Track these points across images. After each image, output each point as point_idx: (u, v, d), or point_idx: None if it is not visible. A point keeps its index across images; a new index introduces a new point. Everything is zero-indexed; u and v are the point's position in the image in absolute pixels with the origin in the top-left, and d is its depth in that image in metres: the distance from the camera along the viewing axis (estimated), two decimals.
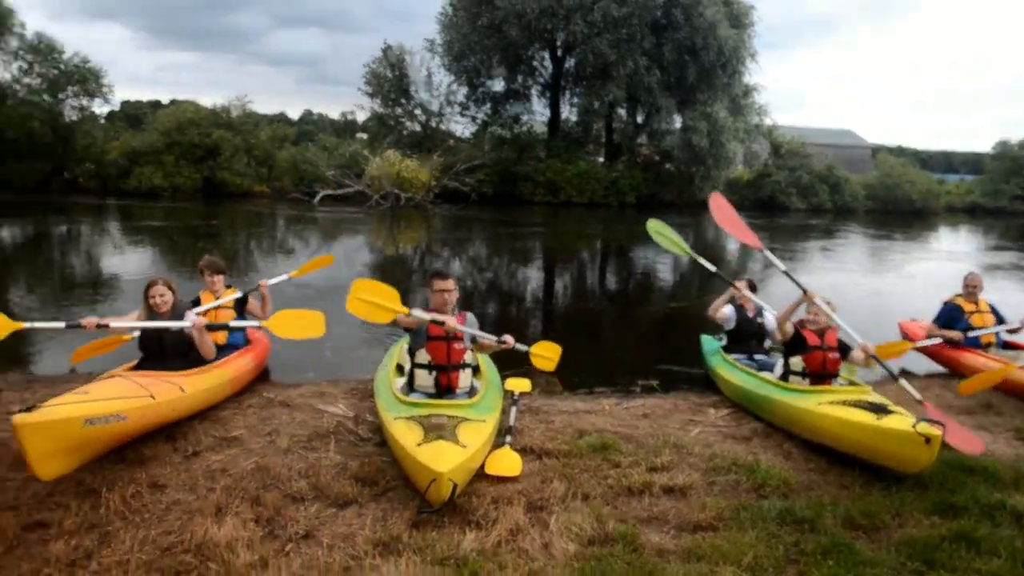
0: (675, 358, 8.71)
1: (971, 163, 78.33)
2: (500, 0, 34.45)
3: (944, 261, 21.71)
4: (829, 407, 5.32)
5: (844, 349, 6.09)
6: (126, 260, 16.26)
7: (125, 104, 63.65)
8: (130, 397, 4.85)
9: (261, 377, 7.20)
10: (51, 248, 18.45)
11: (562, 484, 4.71)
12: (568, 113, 40.46)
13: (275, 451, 5.21)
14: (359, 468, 4.87)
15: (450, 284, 5.63)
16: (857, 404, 5.20)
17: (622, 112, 39.87)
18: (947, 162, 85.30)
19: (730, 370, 6.88)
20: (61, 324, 5.85)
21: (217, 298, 7.02)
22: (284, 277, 7.93)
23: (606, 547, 3.95)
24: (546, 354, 6.50)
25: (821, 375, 5.98)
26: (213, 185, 33.29)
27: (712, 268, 7.38)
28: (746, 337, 7.37)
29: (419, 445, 4.37)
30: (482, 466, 4.80)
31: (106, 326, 5.77)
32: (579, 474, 4.90)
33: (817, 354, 5.99)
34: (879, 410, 5.02)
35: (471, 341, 5.76)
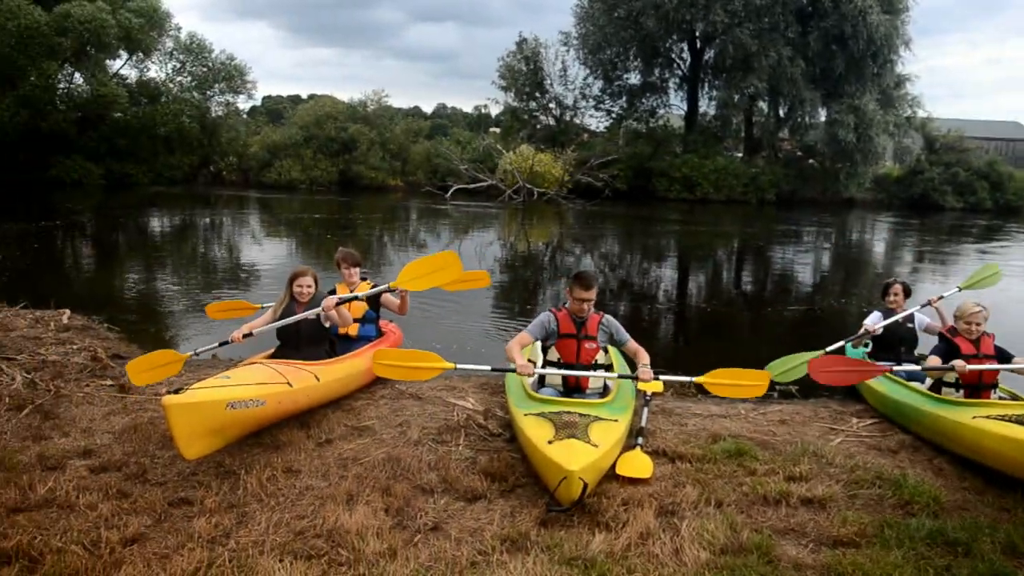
0: None
1: None
2: None
3: None
4: (986, 422, 4.92)
5: (1005, 358, 5.66)
6: (264, 251, 17.07)
7: (266, 99, 66.77)
8: (269, 383, 5.05)
9: None
10: (196, 238, 19.66)
11: (695, 489, 4.57)
12: (706, 107, 39.79)
13: (406, 442, 5.29)
14: (488, 463, 4.87)
15: (592, 294, 5.50)
16: (1019, 420, 4.80)
17: (763, 105, 38.78)
18: None
19: (876, 378, 6.50)
20: (215, 345, 6.12)
21: (352, 290, 7.18)
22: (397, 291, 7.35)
23: (739, 557, 3.80)
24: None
25: (977, 386, 5.58)
26: (348, 178, 34.51)
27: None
28: (893, 344, 6.97)
29: (550, 443, 4.34)
30: (613, 467, 4.72)
31: (250, 334, 5.97)
32: (712, 480, 4.75)
33: (971, 363, 5.58)
34: None
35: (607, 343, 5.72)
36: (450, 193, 31.19)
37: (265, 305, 7.18)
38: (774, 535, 4.09)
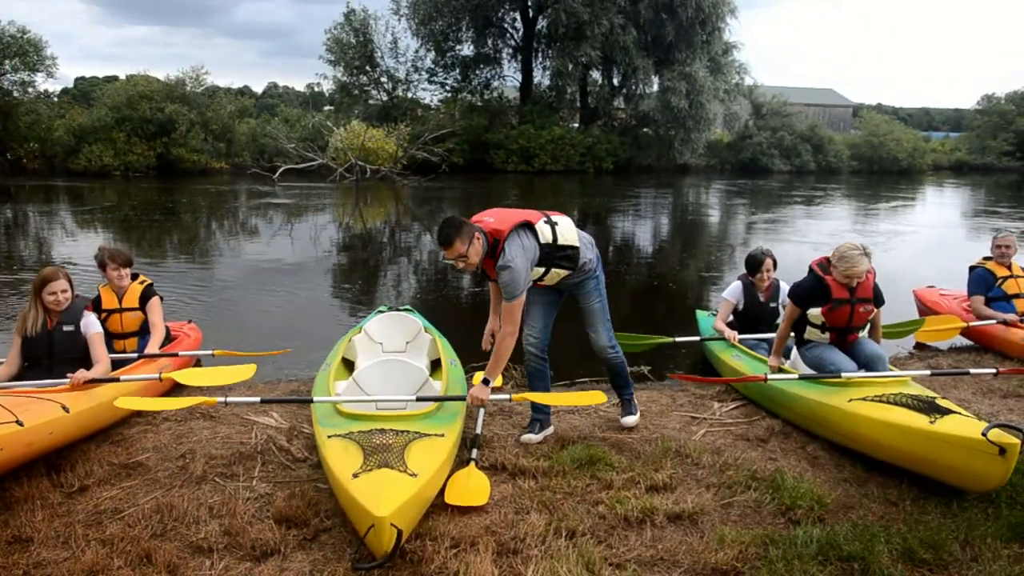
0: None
1: (952, 121, 77.95)
2: None
3: (949, 222, 21.01)
4: (864, 404, 4.30)
5: (879, 300, 5.07)
6: (78, 245, 14.97)
7: (80, 81, 61.57)
8: None
9: None
10: None
11: (541, 516, 3.70)
12: (541, 77, 39.19)
13: (185, 480, 4.18)
14: (286, 502, 3.83)
15: (452, 252, 4.28)
16: (899, 401, 4.20)
17: (597, 76, 38.71)
18: (927, 119, 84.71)
19: (735, 356, 5.88)
20: None
21: (120, 296, 5.92)
22: (209, 352, 6.33)
23: None
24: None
25: (845, 329, 5.02)
26: (168, 162, 31.68)
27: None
28: (755, 322, 6.39)
29: (356, 476, 3.36)
30: (441, 493, 3.82)
31: None
32: (562, 500, 3.88)
33: (845, 308, 4.96)
34: (932, 410, 4.00)
35: None
36: (278, 174, 29.27)
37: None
38: (640, 568, 3.30)
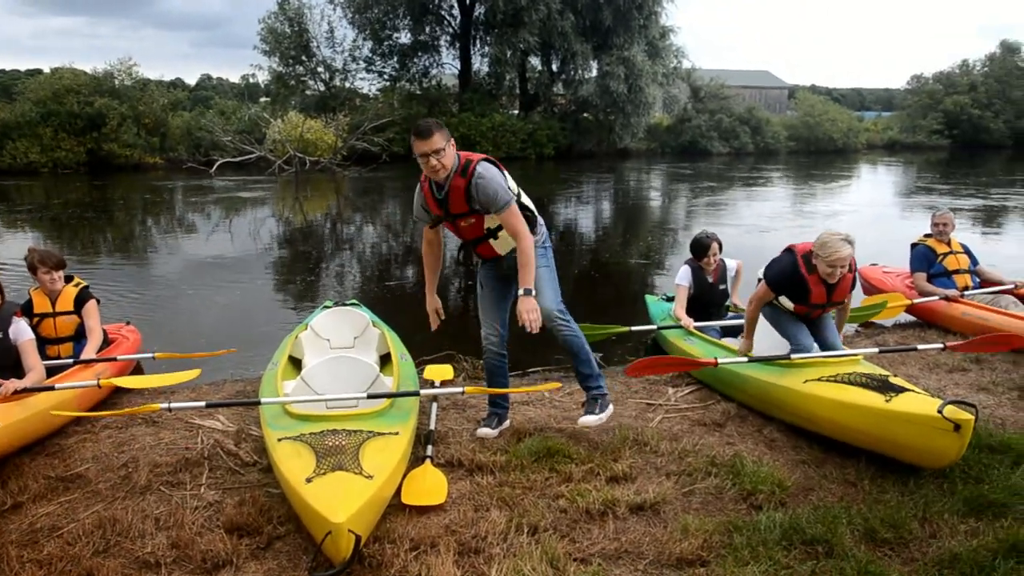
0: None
1: (883, 100, 79.97)
2: None
3: (886, 200, 21.45)
4: (819, 385, 4.32)
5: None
6: (6, 247, 14.36)
7: None
8: None
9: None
10: None
11: (502, 513, 3.62)
12: (480, 64, 38.88)
13: (129, 491, 3.98)
14: (236, 510, 3.68)
15: (429, 145, 3.99)
16: (854, 380, 4.21)
17: (535, 62, 38.57)
18: (860, 100, 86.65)
19: (689, 341, 5.86)
20: None
21: (53, 300, 5.67)
22: (149, 355, 6.03)
23: None
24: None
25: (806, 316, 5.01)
26: (99, 158, 30.56)
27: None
28: (706, 305, 6.39)
29: (309, 481, 3.24)
30: (398, 493, 3.71)
31: None
32: (522, 496, 3.80)
33: (817, 310, 4.97)
34: (885, 388, 4.02)
35: None
36: (215, 168, 28.58)
37: None
38: (605, 562, 3.24)
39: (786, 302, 4.97)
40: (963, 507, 3.58)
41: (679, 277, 6.40)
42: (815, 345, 4.92)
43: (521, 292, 4.15)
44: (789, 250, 4.97)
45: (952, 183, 26.77)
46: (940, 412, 3.58)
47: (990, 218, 17.48)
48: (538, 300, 4.22)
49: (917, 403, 3.81)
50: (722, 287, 6.39)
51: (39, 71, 43.02)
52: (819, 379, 4.36)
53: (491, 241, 4.38)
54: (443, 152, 4.02)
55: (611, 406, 4.62)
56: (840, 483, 3.94)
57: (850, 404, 4.05)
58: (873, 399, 3.96)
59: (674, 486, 3.91)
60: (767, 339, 5.22)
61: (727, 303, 6.52)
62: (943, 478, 3.87)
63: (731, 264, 6.47)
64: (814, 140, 43.85)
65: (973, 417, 3.59)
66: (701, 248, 6.24)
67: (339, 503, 3.02)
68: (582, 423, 4.48)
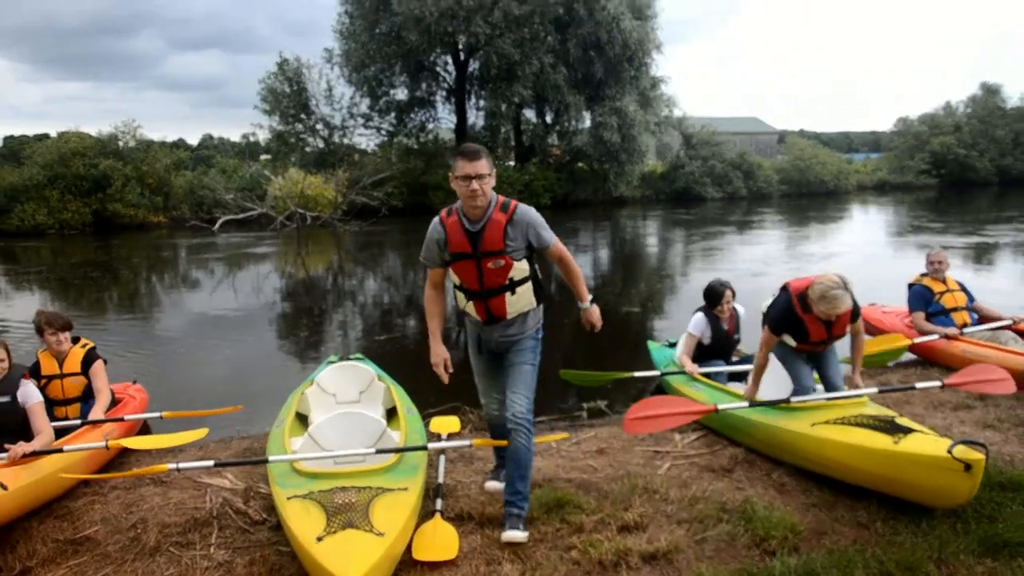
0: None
1: (871, 143, 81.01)
2: (398, 5, 33.15)
3: (879, 240, 21.57)
4: (827, 428, 4.33)
5: (855, 315, 4.95)
6: (13, 309, 14.40)
7: (9, 140, 60.19)
8: None
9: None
10: None
11: (514, 567, 3.61)
12: (475, 118, 39.37)
13: (139, 553, 3.97)
14: (247, 569, 3.68)
15: (480, 167, 3.89)
16: (862, 423, 4.24)
17: (530, 114, 39.06)
18: (848, 142, 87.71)
19: (695, 387, 5.88)
20: None
21: (60, 361, 5.71)
22: (157, 415, 6.00)
23: None
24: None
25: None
26: (104, 218, 30.94)
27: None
28: (720, 354, 6.42)
29: (320, 539, 3.24)
30: (409, 549, 3.70)
31: None
32: (533, 548, 3.79)
33: (820, 347, 5.02)
34: (893, 429, 4.04)
35: None
36: (218, 225, 28.80)
37: None
38: None
39: (789, 340, 5.01)
40: (978, 547, 3.58)
41: (692, 325, 6.37)
42: (817, 387, 4.96)
43: (585, 306, 4.30)
44: (784, 289, 5.02)
45: (943, 221, 26.99)
46: (950, 452, 3.60)
47: (981, 254, 17.58)
48: (511, 400, 4.09)
49: (926, 444, 3.82)
50: (736, 336, 6.43)
51: (46, 135, 43.60)
52: (827, 422, 4.38)
53: (507, 296, 4.08)
54: (486, 179, 3.90)
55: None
56: (852, 526, 3.94)
57: (859, 447, 4.07)
58: (882, 441, 3.98)
59: (686, 534, 3.91)
60: (774, 379, 5.24)
61: (741, 350, 6.58)
62: (956, 518, 3.86)
63: (741, 310, 6.52)
64: (805, 183, 44.37)
65: (984, 457, 3.60)
66: (715, 296, 6.28)
67: (351, 562, 3.03)
68: (505, 537, 3.89)
